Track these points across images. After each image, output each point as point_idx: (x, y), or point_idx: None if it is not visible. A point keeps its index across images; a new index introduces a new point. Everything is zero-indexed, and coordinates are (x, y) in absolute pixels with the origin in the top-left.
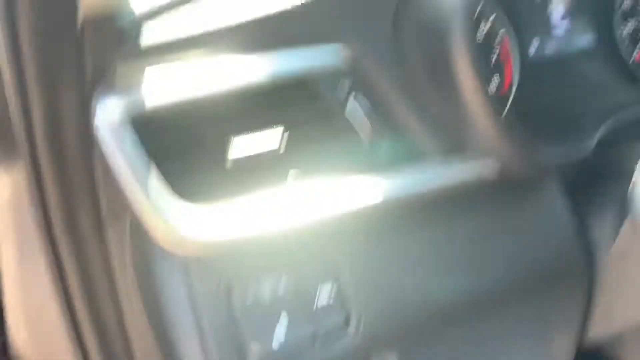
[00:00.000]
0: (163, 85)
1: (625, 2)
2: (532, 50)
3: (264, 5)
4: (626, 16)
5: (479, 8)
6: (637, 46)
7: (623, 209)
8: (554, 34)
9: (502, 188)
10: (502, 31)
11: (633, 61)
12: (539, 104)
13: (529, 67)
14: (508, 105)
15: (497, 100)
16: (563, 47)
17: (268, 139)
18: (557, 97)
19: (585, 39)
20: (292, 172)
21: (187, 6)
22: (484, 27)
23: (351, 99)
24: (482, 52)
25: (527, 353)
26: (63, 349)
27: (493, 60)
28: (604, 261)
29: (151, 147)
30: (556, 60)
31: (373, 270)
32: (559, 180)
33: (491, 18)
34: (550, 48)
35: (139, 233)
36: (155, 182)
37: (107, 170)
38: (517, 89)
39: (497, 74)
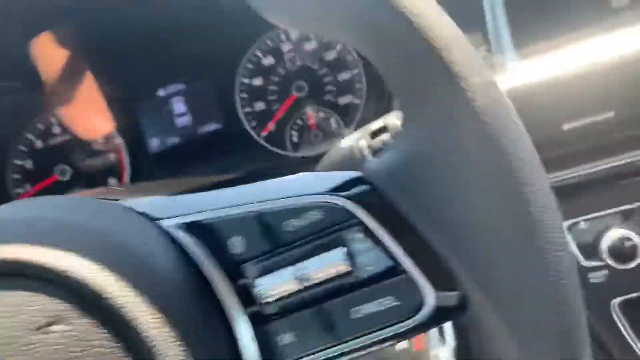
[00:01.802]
0: None
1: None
2: (153, 147)
3: None
4: (250, 101)
5: None
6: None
7: None
8: (177, 127)
9: None
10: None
11: (260, 136)
12: None
13: (153, 162)
14: None
15: None
16: (189, 137)
17: None
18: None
19: (212, 126)
20: None
21: None
22: None
23: None
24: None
25: None
26: None
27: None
28: None
29: None
30: (184, 150)
31: None
32: None
33: None
34: (174, 140)
35: None
36: None
37: None
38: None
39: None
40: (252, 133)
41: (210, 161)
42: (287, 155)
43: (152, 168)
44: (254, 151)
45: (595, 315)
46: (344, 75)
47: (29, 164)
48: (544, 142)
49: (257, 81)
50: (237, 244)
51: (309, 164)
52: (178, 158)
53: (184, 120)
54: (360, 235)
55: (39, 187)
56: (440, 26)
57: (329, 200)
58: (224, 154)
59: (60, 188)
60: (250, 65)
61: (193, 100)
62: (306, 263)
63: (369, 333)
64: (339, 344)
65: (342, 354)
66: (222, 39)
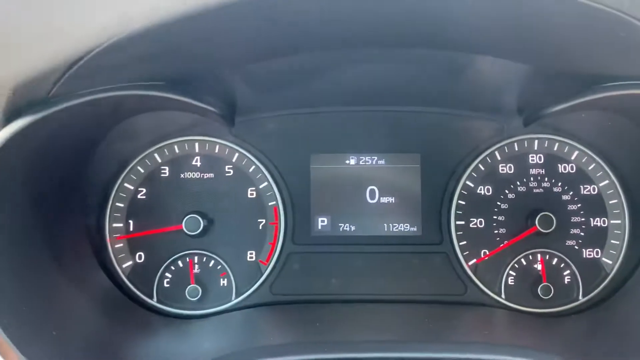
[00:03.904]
0: None
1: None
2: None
3: None
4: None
5: None
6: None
7: None
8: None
9: None
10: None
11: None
12: None
13: (316, 242)
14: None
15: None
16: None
17: None
18: None
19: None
20: None
21: None
22: None
23: None
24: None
25: None
26: None
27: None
28: None
29: None
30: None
31: None
32: None
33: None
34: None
35: None
36: None
37: None
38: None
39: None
40: (460, 255)
41: (387, 268)
42: (492, 298)
43: (308, 253)
44: (453, 280)
45: None
46: (599, 222)
47: None
48: None
49: (485, 190)
50: None
51: (524, 319)
52: (345, 253)
53: (368, 208)
54: None
55: None
56: None
57: None
58: (408, 268)
59: None
60: (481, 166)
61: (392, 184)
62: None
63: None
64: None
65: None
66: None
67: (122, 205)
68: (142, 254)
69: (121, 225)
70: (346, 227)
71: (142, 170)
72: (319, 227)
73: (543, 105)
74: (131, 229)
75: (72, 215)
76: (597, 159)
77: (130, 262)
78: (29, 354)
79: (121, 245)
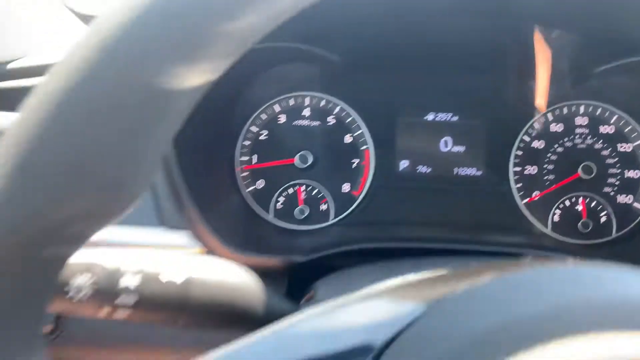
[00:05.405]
0: None
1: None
2: (402, 166)
3: None
4: (523, 160)
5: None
6: (532, 190)
7: None
8: (432, 159)
9: None
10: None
11: (525, 203)
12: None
13: (398, 180)
14: (353, 206)
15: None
16: (444, 172)
17: None
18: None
19: (472, 169)
20: None
21: None
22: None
23: None
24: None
25: None
26: None
27: (355, 164)
28: None
29: None
30: (433, 181)
31: None
32: None
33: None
34: (425, 170)
35: None
36: None
37: None
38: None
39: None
40: (515, 194)
41: (454, 206)
42: (543, 233)
43: (391, 188)
44: (509, 214)
45: None
46: (632, 174)
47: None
48: None
49: (538, 144)
50: None
51: (569, 251)
52: (421, 189)
53: (442, 154)
54: None
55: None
56: None
57: None
58: (472, 203)
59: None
60: (536, 124)
61: (463, 136)
62: None
63: None
64: None
65: None
66: (520, 93)
67: (248, 143)
68: (262, 181)
69: (247, 158)
70: (422, 169)
71: (264, 117)
72: (401, 168)
73: (590, 66)
74: (254, 161)
75: (215, 149)
76: (633, 121)
77: (253, 187)
78: (226, 241)
79: (247, 173)
